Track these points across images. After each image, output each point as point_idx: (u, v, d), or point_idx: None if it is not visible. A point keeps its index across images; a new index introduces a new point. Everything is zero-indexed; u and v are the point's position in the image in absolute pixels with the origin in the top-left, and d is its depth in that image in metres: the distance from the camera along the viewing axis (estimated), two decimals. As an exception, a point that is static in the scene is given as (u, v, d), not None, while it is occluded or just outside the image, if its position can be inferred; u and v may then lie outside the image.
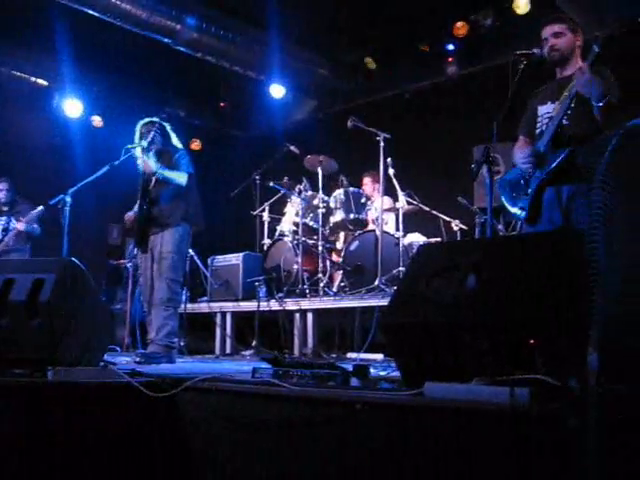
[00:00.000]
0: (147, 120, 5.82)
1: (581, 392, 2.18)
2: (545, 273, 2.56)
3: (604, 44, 3.71)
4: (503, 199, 4.30)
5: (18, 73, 9.30)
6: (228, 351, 7.41)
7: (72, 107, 9.59)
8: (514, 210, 4.23)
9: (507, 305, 2.53)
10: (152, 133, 5.65)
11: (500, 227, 6.47)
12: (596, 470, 2.09)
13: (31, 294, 3.48)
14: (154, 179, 5.61)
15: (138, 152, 5.65)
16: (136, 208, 5.72)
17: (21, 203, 7.79)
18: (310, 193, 7.57)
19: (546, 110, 4.17)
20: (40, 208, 7.38)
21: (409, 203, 7.27)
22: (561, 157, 3.94)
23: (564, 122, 3.98)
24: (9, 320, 3.50)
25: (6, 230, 7.61)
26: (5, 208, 7.80)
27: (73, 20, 7.79)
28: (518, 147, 4.35)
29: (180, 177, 5.58)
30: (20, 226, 7.56)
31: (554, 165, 3.95)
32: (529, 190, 4.07)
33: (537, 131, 4.20)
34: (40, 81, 9.53)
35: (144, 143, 5.63)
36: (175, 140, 5.83)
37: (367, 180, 7.97)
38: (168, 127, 5.80)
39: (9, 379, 3.31)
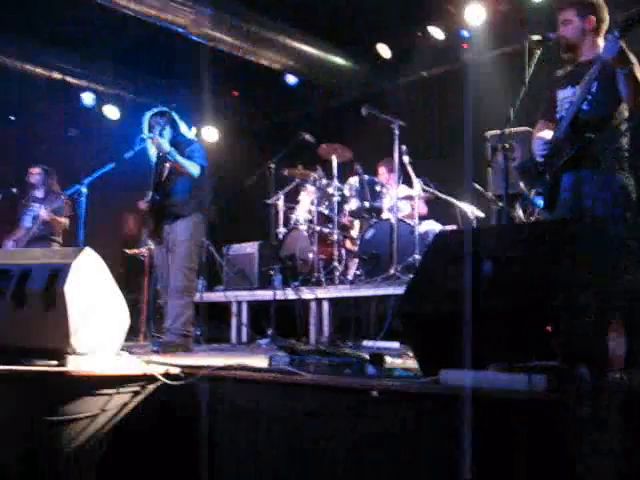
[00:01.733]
0: (156, 110, 5.81)
1: (592, 380, 2.17)
2: (561, 259, 2.55)
3: (624, 25, 3.64)
4: (521, 184, 4.26)
5: (32, 67, 9.31)
6: (244, 340, 7.43)
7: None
8: (532, 194, 4.20)
9: (523, 292, 2.52)
10: (161, 125, 5.65)
11: (519, 213, 6.42)
12: (608, 455, 2.08)
13: (48, 283, 3.50)
14: (167, 170, 5.62)
15: (151, 146, 5.66)
16: (149, 197, 5.74)
17: (54, 194, 7.81)
18: (325, 181, 7.55)
19: (565, 94, 4.12)
20: (61, 197, 7.48)
21: (424, 190, 7.23)
22: (579, 144, 3.89)
23: (584, 107, 3.92)
24: (27, 309, 3.52)
25: (36, 218, 7.64)
26: (40, 195, 7.83)
27: (84, 10, 7.78)
28: (537, 132, 4.30)
29: (193, 167, 5.59)
30: (44, 214, 7.58)
31: (571, 152, 3.91)
32: (546, 176, 4.03)
33: (557, 116, 4.15)
34: (55, 74, 9.54)
35: (156, 134, 5.63)
36: (185, 129, 5.83)
37: (382, 169, 7.94)
38: (177, 117, 5.79)
39: (27, 368, 3.34)
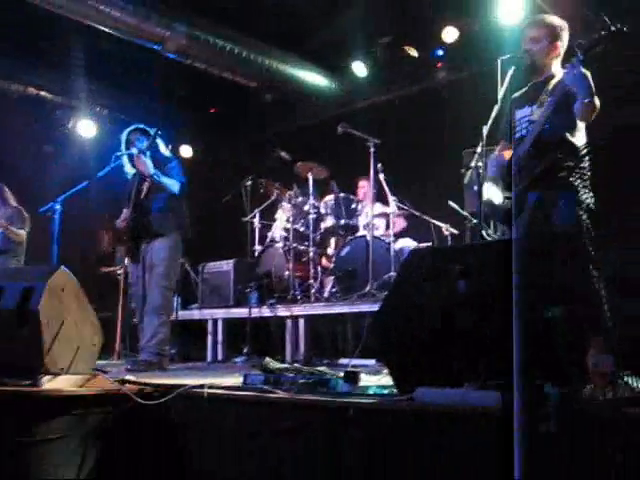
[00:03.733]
0: (133, 127, 5.80)
1: (558, 397, 2.19)
2: (535, 277, 2.57)
3: (587, 50, 3.72)
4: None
5: (6, 82, 9.26)
6: (220, 358, 7.39)
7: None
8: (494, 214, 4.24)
9: (497, 309, 2.54)
10: (140, 142, 5.64)
11: (490, 231, 6.47)
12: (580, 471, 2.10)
13: (21, 302, 3.47)
14: (146, 188, 5.59)
15: (126, 161, 5.64)
16: (124, 215, 5.71)
17: (7, 205, 7.76)
18: (301, 199, 7.57)
19: (524, 114, 4.17)
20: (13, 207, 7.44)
21: (400, 208, 7.27)
22: (542, 163, 3.94)
23: (545, 127, 3.98)
24: (-1, 328, 3.49)
25: None
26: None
27: (63, 27, 7.77)
28: (497, 152, 4.36)
29: (173, 185, 5.58)
30: None
31: (535, 171, 3.95)
32: (510, 195, 4.07)
33: (516, 136, 4.19)
34: (30, 89, 9.50)
35: (134, 151, 5.61)
36: (163, 148, 5.81)
37: (363, 183, 7.94)
38: (157, 136, 5.76)
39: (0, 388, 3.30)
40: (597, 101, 3.77)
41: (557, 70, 4.14)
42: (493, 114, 4.06)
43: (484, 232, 4.34)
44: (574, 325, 2.47)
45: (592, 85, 3.76)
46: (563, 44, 4.18)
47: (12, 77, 9.25)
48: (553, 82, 4.03)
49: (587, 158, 4.01)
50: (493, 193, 4.19)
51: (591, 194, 3.93)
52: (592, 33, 3.71)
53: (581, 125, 4.00)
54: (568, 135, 3.97)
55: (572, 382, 2.35)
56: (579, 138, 4.01)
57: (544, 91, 4.04)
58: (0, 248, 7.62)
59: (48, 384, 3.35)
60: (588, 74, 3.77)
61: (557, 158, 3.90)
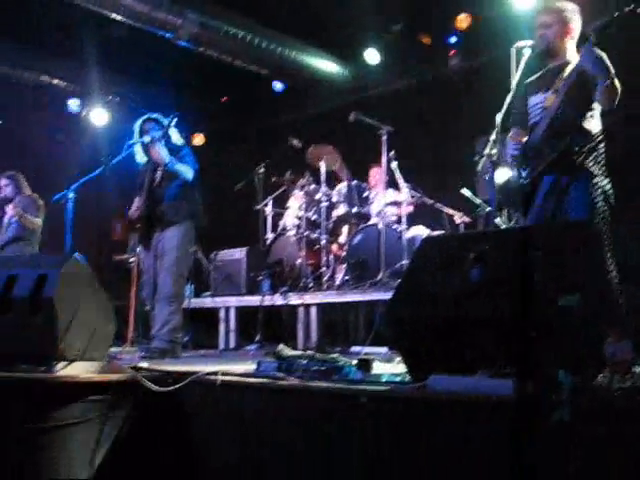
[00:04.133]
0: (147, 116, 5.80)
1: (571, 385, 2.17)
2: (547, 264, 2.56)
3: (600, 31, 3.69)
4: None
5: (19, 71, 9.28)
6: (232, 345, 7.41)
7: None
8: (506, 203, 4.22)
9: (511, 297, 2.52)
10: (153, 131, 5.64)
11: (503, 219, 6.44)
12: (589, 461, 2.09)
13: (35, 290, 3.49)
14: (159, 177, 5.59)
15: (139, 149, 5.64)
16: (136, 204, 5.72)
17: (22, 194, 7.80)
18: (313, 187, 7.56)
19: (538, 100, 4.14)
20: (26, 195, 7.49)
21: (412, 196, 7.25)
22: (556, 149, 3.92)
23: (559, 112, 3.95)
24: (13, 316, 3.51)
25: (9, 224, 7.65)
26: (14, 200, 7.83)
27: (75, 16, 7.77)
28: (511, 138, 4.33)
29: (187, 171, 5.59)
30: (11, 210, 7.58)
31: (550, 158, 3.93)
32: (525, 182, 4.05)
33: (530, 122, 4.18)
34: (43, 77, 9.52)
35: (147, 139, 5.61)
36: (176, 136, 5.80)
37: (375, 171, 7.91)
38: (167, 121, 5.75)
39: (14, 374, 3.32)
40: (618, 83, 3.74)
41: (572, 56, 4.10)
42: (507, 101, 4.03)
43: (497, 219, 4.33)
44: (590, 313, 2.45)
45: (610, 67, 3.72)
46: (575, 27, 4.13)
47: (25, 66, 9.27)
48: (569, 68, 3.99)
49: (602, 144, 3.98)
50: (507, 176, 4.17)
51: (607, 179, 3.91)
52: (605, 16, 3.68)
53: (596, 111, 3.96)
54: (582, 120, 3.95)
55: (587, 370, 2.33)
56: (594, 123, 3.97)
57: (559, 77, 4.01)
58: (14, 236, 7.66)
59: (62, 371, 3.37)
60: (604, 55, 3.73)
61: (571, 143, 3.88)
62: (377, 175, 7.88)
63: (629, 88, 3.88)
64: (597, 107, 3.96)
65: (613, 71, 3.73)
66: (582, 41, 3.97)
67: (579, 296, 2.43)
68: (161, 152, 5.51)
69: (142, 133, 5.72)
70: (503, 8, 7.65)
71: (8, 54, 8.97)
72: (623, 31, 3.73)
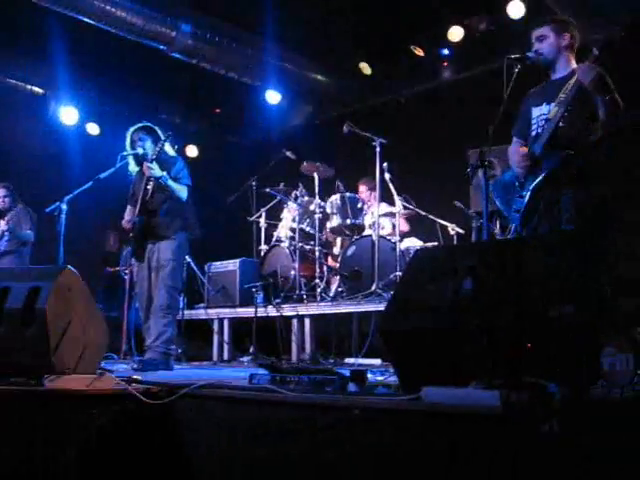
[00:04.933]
0: (138, 126, 5.78)
1: (562, 396, 2.17)
2: (541, 276, 2.57)
3: (603, 47, 3.72)
4: (497, 202, 4.30)
5: (13, 81, 9.30)
6: (226, 357, 7.40)
7: (68, 115, 9.58)
8: (507, 212, 4.23)
9: (503, 309, 2.53)
10: (143, 141, 5.64)
11: (496, 231, 6.47)
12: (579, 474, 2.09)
13: (27, 302, 3.47)
14: (151, 189, 5.59)
15: (131, 162, 5.64)
16: (127, 214, 5.72)
17: (15, 208, 7.79)
18: (306, 199, 7.57)
19: (541, 112, 4.17)
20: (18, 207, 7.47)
21: (405, 207, 7.27)
22: (557, 160, 3.94)
23: (561, 124, 3.98)
24: (5, 328, 3.49)
25: (1, 237, 7.64)
26: (4, 213, 7.82)
27: (69, 28, 7.78)
28: (513, 149, 4.35)
29: (181, 190, 5.58)
30: (3, 226, 7.57)
31: (550, 168, 3.95)
32: (524, 193, 4.06)
33: (532, 133, 4.20)
34: (36, 89, 9.53)
35: (140, 150, 5.61)
36: (168, 148, 5.79)
37: (363, 188, 7.97)
38: (159, 133, 5.75)
39: (5, 387, 3.30)
40: (618, 98, 3.77)
41: (574, 67, 4.13)
42: (499, 113, 4.05)
43: (490, 230, 4.35)
44: (584, 324, 2.45)
45: (609, 83, 3.76)
46: (572, 37, 4.17)
47: (16, 76, 9.27)
48: (572, 80, 4.01)
49: (603, 155, 4.01)
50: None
51: (607, 191, 3.94)
52: (608, 29, 3.71)
53: (598, 123, 3.98)
54: (584, 133, 3.97)
55: (579, 382, 2.33)
56: (595, 134, 3.99)
57: (562, 89, 4.03)
58: (5, 249, 7.65)
59: (54, 383, 3.35)
60: (603, 72, 3.77)
61: (572, 155, 3.90)
62: (364, 191, 7.93)
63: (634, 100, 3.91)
64: (600, 121, 3.97)
65: (612, 87, 3.77)
66: (584, 55, 3.99)
67: (572, 307, 2.43)
68: (153, 168, 5.49)
69: (133, 142, 5.71)
70: (495, 21, 7.71)
71: (1, 66, 8.98)
72: (628, 45, 3.77)
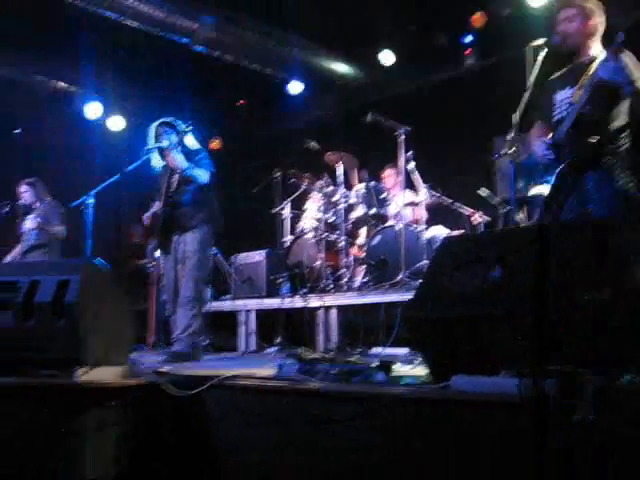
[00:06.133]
0: (161, 120, 5.79)
1: (597, 384, 2.14)
2: (570, 262, 2.54)
3: (629, 32, 3.66)
4: (520, 185, 4.24)
5: (39, 77, 9.39)
6: (253, 348, 7.41)
7: (92, 109, 9.65)
8: (533, 192, 4.19)
9: (533, 296, 2.51)
10: (168, 134, 5.66)
11: (522, 216, 6.41)
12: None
13: (56, 295, 3.51)
14: (176, 182, 5.60)
15: (155, 157, 5.66)
16: (154, 209, 5.75)
17: (43, 202, 7.86)
18: (331, 189, 7.56)
19: (565, 96, 4.12)
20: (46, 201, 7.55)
21: (431, 196, 7.23)
22: (581, 146, 3.89)
23: (585, 109, 3.93)
24: (35, 321, 3.53)
25: (30, 229, 7.72)
26: (34, 206, 7.89)
27: (91, 23, 7.82)
28: (535, 134, 4.31)
29: (204, 175, 5.60)
30: (32, 223, 7.65)
31: (574, 154, 3.91)
32: (548, 178, 4.02)
33: (555, 117, 4.15)
34: (60, 84, 9.60)
35: (165, 144, 5.63)
36: (192, 141, 5.81)
37: (389, 172, 7.91)
38: (183, 127, 5.76)
39: (36, 379, 3.34)
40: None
41: (598, 51, 4.08)
42: (524, 100, 4.01)
43: (517, 217, 4.31)
44: (622, 311, 2.41)
45: (631, 73, 3.71)
46: (598, 22, 4.11)
47: (42, 72, 9.35)
48: (595, 64, 3.96)
49: (628, 140, 3.96)
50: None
51: (631, 178, 3.89)
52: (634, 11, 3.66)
53: (623, 107, 3.93)
54: (608, 117, 3.92)
55: (613, 369, 2.30)
56: (620, 120, 3.94)
57: (585, 73, 3.98)
58: (35, 244, 7.71)
59: (84, 376, 3.38)
60: (627, 59, 3.71)
61: (597, 140, 3.85)
62: (390, 176, 7.88)
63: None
64: (624, 105, 3.92)
65: (636, 76, 3.71)
66: (609, 40, 3.93)
67: (606, 292, 2.39)
68: (177, 159, 5.52)
69: (157, 137, 5.73)
70: (518, 6, 7.63)
71: (24, 62, 9.05)
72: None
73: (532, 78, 4.01)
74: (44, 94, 9.50)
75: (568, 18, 4.09)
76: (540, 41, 4.07)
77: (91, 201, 5.23)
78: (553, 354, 2.34)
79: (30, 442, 3.21)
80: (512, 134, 3.96)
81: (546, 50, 4.02)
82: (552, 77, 4.29)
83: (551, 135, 4.13)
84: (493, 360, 2.53)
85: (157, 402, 3.49)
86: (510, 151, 3.95)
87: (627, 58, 3.78)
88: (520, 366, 2.33)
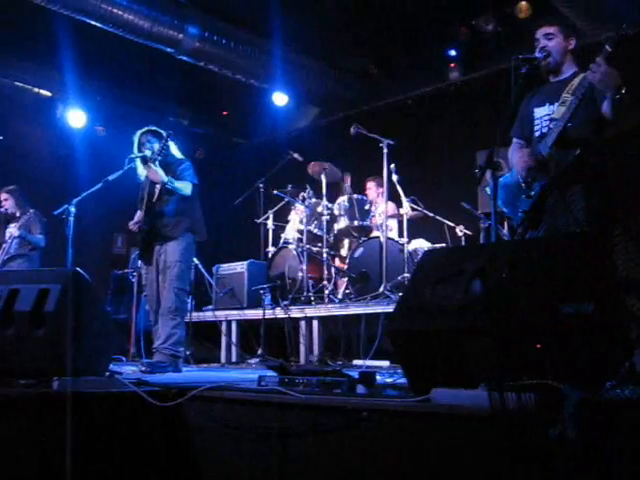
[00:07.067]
0: (145, 129, 5.78)
1: (576, 398, 2.14)
2: (553, 276, 2.55)
3: (616, 44, 3.70)
4: (499, 204, 4.27)
5: (21, 84, 9.35)
6: (234, 359, 7.40)
7: (76, 118, 9.60)
8: (511, 213, 4.22)
9: (513, 310, 2.52)
10: (151, 143, 5.65)
11: (504, 232, 6.45)
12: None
13: (36, 304, 3.48)
14: (157, 192, 5.59)
15: (139, 163, 5.64)
16: (137, 217, 5.73)
17: (27, 212, 7.82)
18: (314, 200, 7.57)
19: (544, 112, 4.15)
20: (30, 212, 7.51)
21: (413, 209, 7.26)
22: (567, 159, 3.92)
23: (569, 124, 3.96)
24: (14, 330, 3.50)
25: (11, 237, 7.67)
26: (16, 215, 7.85)
27: (76, 31, 7.80)
28: (514, 150, 4.34)
29: (186, 187, 5.58)
30: (14, 231, 7.61)
31: (560, 167, 3.93)
32: (532, 193, 4.04)
33: (536, 133, 4.18)
34: (43, 92, 9.57)
35: (148, 153, 5.61)
36: (175, 150, 5.81)
37: (371, 184, 7.97)
38: (164, 135, 5.73)
39: (14, 390, 3.30)
40: (628, 97, 3.76)
41: (574, 68, 4.13)
42: (507, 114, 4.04)
43: (499, 231, 4.33)
44: (601, 323, 2.42)
45: (619, 81, 3.74)
46: (575, 40, 4.18)
47: (24, 80, 9.31)
48: (576, 81, 4.00)
49: (611, 155, 4.00)
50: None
51: (614, 191, 3.93)
52: (619, 27, 3.69)
53: (606, 122, 3.96)
54: (593, 132, 3.96)
55: (595, 383, 2.31)
56: (604, 135, 3.98)
57: (566, 90, 4.02)
58: (15, 253, 7.67)
59: (63, 386, 3.35)
60: (614, 71, 3.75)
61: (581, 156, 3.88)
62: (373, 189, 7.93)
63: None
64: (607, 120, 3.96)
65: (621, 87, 3.75)
66: (596, 51, 3.97)
67: (591, 306, 2.40)
68: (158, 172, 5.50)
69: (141, 145, 5.72)
70: (503, 21, 7.69)
71: (5, 68, 9.01)
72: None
73: (515, 93, 4.03)
74: (26, 101, 9.45)
75: (549, 34, 4.14)
76: (523, 55, 4.09)
77: (73, 210, 5.21)
78: (529, 367, 2.35)
79: (7, 453, 3.18)
80: (495, 148, 3.97)
81: (527, 66, 4.04)
82: (529, 94, 4.33)
83: (531, 150, 4.16)
84: (473, 373, 2.54)
85: (137, 413, 3.47)
86: (492, 165, 3.96)
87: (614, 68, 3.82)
88: (499, 380, 2.34)
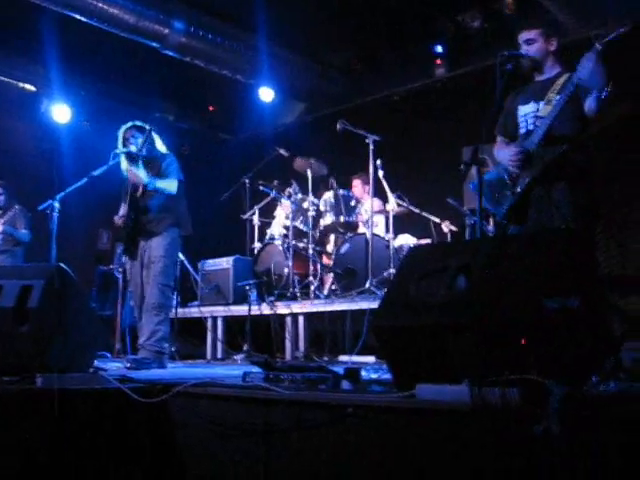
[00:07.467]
0: (130, 124, 5.74)
1: (560, 393, 2.15)
2: (535, 273, 2.56)
3: (606, 42, 3.72)
4: (483, 200, 4.27)
5: (5, 78, 9.27)
6: (219, 356, 7.39)
7: (60, 112, 9.52)
8: (495, 210, 4.22)
9: (497, 306, 2.53)
10: (136, 139, 5.62)
11: (490, 228, 6.47)
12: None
13: (19, 300, 3.46)
14: (142, 187, 5.55)
15: (123, 159, 5.60)
16: (121, 212, 5.70)
17: (12, 207, 7.78)
18: (300, 196, 7.56)
19: (530, 110, 4.16)
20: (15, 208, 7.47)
21: (399, 205, 7.27)
22: (553, 155, 3.93)
23: (556, 122, 3.98)
24: (-3, 326, 3.48)
25: None
26: (2, 212, 7.81)
27: (61, 25, 7.75)
28: (499, 147, 4.35)
29: (170, 185, 5.55)
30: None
31: (547, 163, 3.94)
32: (517, 189, 4.06)
33: (522, 131, 4.19)
34: (28, 86, 9.50)
35: (133, 148, 5.58)
36: (159, 144, 5.78)
37: (357, 182, 7.98)
38: (148, 129, 5.71)
39: (-2, 386, 3.29)
40: (612, 94, 3.77)
41: (561, 65, 4.14)
42: (492, 110, 4.05)
43: (484, 227, 4.34)
44: (586, 318, 2.43)
45: (606, 79, 3.76)
46: (558, 40, 4.19)
47: (7, 74, 9.24)
48: (562, 79, 4.02)
49: (596, 152, 4.02)
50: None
51: (598, 187, 3.95)
52: (611, 25, 3.70)
53: (589, 119, 3.98)
54: (578, 129, 3.98)
55: (578, 378, 2.32)
56: (589, 131, 4.00)
57: (552, 88, 4.04)
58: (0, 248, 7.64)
59: (46, 382, 3.33)
60: (603, 68, 3.77)
61: (566, 152, 3.90)
62: (359, 185, 7.93)
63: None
64: (591, 117, 3.97)
65: (608, 85, 3.76)
66: (586, 48, 3.98)
67: (577, 300, 2.41)
68: (138, 175, 5.47)
69: (125, 140, 5.68)
70: (489, 17, 7.70)
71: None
72: (629, 45, 3.76)
73: (500, 88, 4.04)
74: (10, 96, 9.38)
75: (529, 40, 4.15)
76: (509, 52, 4.10)
77: (57, 205, 5.17)
78: (513, 363, 2.36)
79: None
80: (480, 144, 3.97)
81: (513, 62, 4.05)
82: (513, 92, 4.35)
83: (519, 147, 4.16)
84: (457, 369, 2.54)
85: (122, 409, 3.46)
86: (478, 161, 3.97)
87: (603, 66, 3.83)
88: (483, 375, 2.35)
